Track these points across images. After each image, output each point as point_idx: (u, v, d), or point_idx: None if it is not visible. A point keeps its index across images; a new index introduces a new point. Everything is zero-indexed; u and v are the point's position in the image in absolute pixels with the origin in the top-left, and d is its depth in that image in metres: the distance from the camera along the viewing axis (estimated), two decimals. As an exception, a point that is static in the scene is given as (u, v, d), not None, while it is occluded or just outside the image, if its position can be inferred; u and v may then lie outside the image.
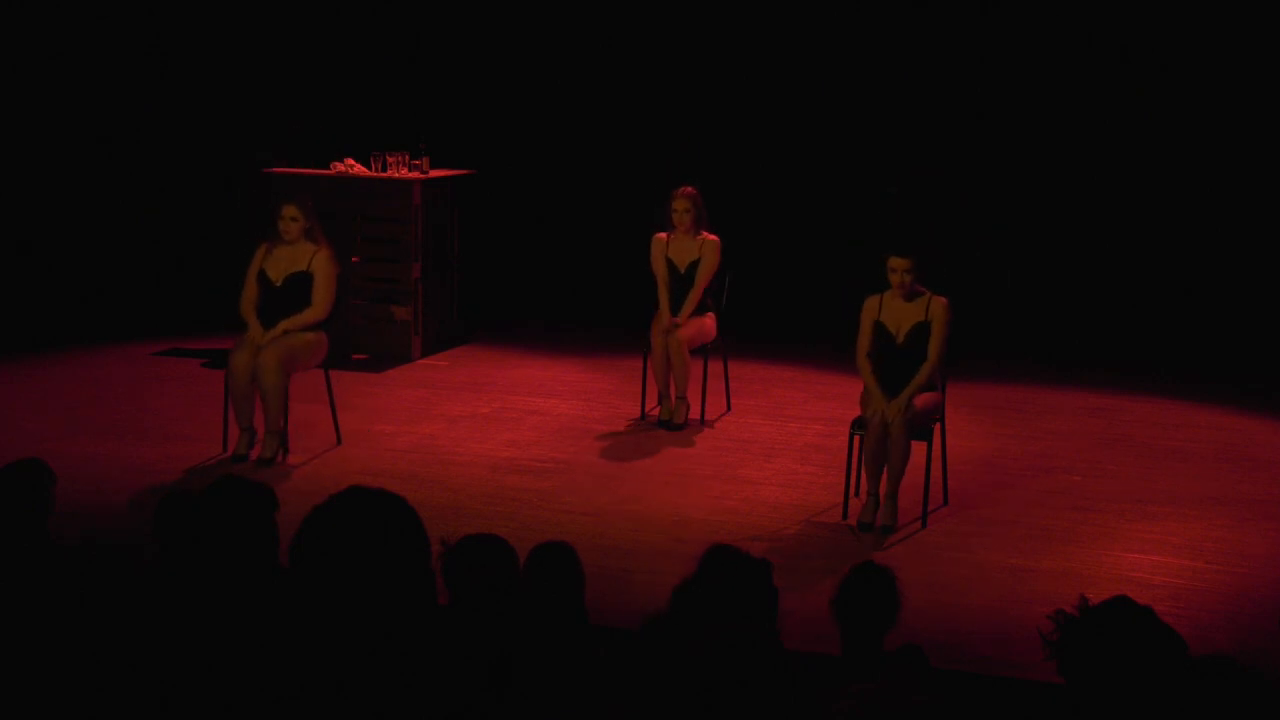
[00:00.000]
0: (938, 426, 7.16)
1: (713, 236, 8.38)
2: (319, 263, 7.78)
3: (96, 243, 11.33)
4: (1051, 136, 10.65)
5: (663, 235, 8.43)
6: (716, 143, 11.15)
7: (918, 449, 7.05)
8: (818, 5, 11.04)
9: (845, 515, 7.00)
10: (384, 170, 10.11)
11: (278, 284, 7.78)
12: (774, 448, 8.11)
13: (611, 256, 10.81)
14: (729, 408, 8.80)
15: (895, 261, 6.94)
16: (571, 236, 11.66)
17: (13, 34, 11.09)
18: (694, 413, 8.59)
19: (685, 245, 8.38)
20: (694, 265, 8.37)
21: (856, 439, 7.08)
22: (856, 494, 7.17)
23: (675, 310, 8.39)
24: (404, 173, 10.07)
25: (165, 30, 11.41)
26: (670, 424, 8.36)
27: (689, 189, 8.39)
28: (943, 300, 6.99)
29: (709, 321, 8.49)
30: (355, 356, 9.95)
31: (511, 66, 11.63)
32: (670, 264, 8.41)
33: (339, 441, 8.00)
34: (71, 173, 11.32)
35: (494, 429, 8.43)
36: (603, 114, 11.50)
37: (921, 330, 6.97)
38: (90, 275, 11.18)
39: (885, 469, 6.86)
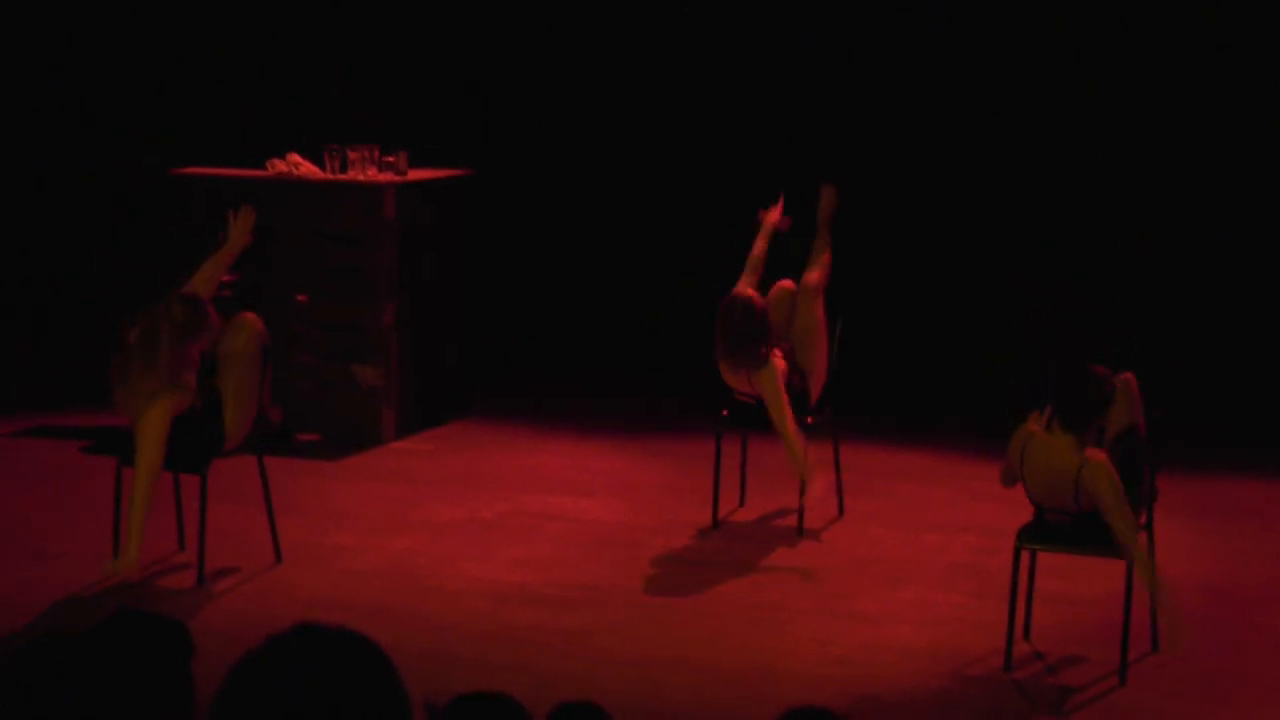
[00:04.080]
0: (1142, 537, 7.12)
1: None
2: None
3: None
4: (1052, 135, 11.42)
5: None
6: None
7: (1111, 570, 6.99)
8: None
9: (1008, 666, 6.97)
10: (343, 170, 10.19)
11: None
12: (905, 569, 8.10)
13: (667, 293, 10.85)
14: (841, 512, 8.80)
15: None
16: (612, 267, 11.72)
17: None
18: (788, 518, 8.60)
19: None
20: None
21: (1025, 555, 7.05)
22: (1026, 637, 7.14)
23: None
24: (371, 173, 10.15)
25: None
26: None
27: None
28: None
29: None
30: (302, 437, 10.00)
31: (518, 31, 11.74)
32: None
33: (279, 559, 8.05)
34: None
35: (498, 541, 8.45)
36: (638, 104, 11.67)
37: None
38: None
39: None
